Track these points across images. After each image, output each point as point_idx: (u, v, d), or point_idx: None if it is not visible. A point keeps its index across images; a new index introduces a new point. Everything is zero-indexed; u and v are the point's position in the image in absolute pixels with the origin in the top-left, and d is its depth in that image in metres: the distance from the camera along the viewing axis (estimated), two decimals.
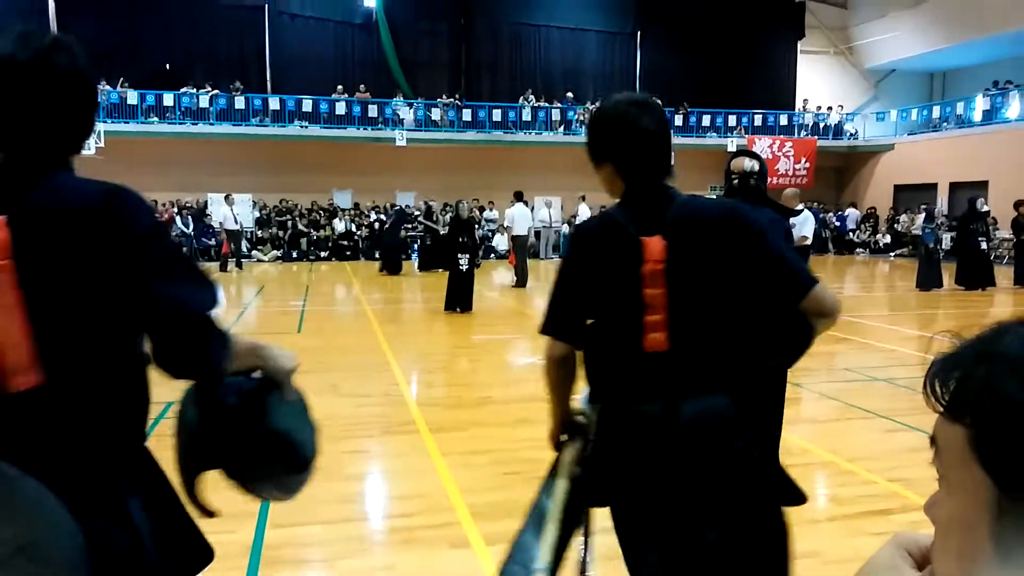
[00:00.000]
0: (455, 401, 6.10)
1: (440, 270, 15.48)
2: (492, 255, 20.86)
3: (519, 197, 14.99)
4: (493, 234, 21.83)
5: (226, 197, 18.38)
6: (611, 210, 1.90)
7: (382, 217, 21.08)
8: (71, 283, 1.27)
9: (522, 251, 14.48)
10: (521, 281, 14.13)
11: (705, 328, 1.82)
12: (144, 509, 1.34)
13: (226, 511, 1.56)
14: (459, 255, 10.77)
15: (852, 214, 25.14)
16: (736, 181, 3.40)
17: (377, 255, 19.43)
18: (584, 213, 21.87)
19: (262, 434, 1.46)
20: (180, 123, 21.72)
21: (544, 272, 17.13)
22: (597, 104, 2.05)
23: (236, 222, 18.18)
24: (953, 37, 23.83)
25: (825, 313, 1.83)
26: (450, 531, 3.54)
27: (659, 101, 1.98)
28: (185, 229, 20.60)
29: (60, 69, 1.32)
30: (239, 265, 18.07)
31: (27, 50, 1.30)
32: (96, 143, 19.69)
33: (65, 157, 1.37)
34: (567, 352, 1.91)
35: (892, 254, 22.75)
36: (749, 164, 3.39)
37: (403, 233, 19.74)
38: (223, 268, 17.69)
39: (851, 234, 24.68)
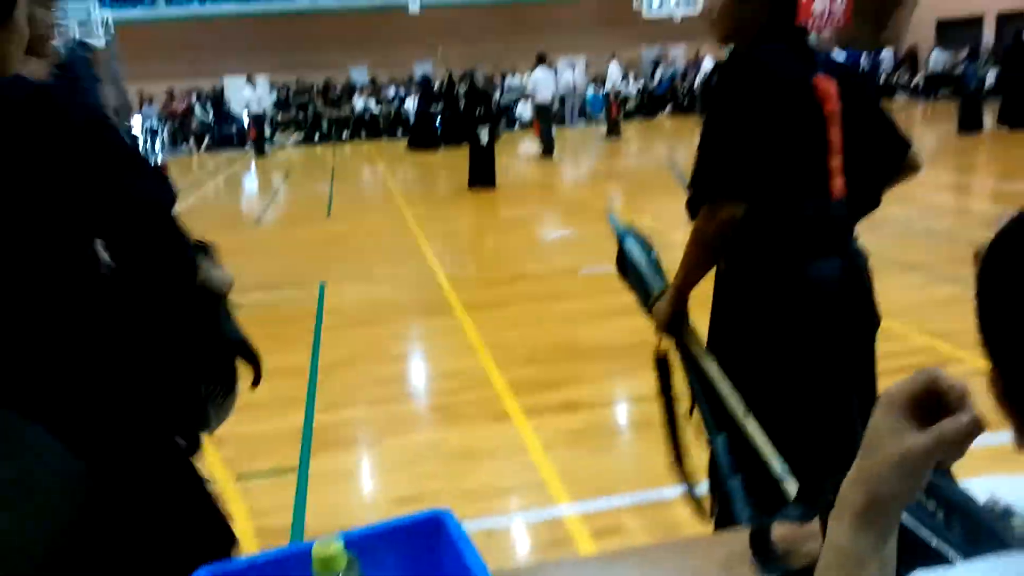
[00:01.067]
0: (487, 280, 6.17)
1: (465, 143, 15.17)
2: (517, 125, 20.41)
3: (541, 60, 14.41)
4: (516, 102, 21.26)
5: (247, 78, 18.02)
6: (763, 50, 1.74)
7: (401, 94, 20.61)
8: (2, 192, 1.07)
9: (546, 119, 14.10)
10: (547, 150, 13.86)
11: (863, 172, 1.84)
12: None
13: (276, 399, 1.60)
14: (478, 128, 10.45)
15: (887, 56, 23.91)
16: None
17: (399, 133, 19.10)
18: (615, 74, 21.08)
19: (227, 344, 1.35)
20: (187, 4, 21.07)
21: (571, 141, 16.79)
22: None
23: (260, 105, 17.95)
24: None
25: (918, 167, 1.94)
26: (491, 406, 3.67)
27: None
28: (205, 119, 20.42)
29: None
30: (263, 151, 17.98)
31: None
32: (105, 34, 19.28)
33: None
34: (740, 213, 1.68)
35: (935, 94, 21.76)
36: None
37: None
38: (259, 152, 17.67)
39: (890, 77, 23.58)
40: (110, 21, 19.53)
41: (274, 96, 21.40)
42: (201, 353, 1.31)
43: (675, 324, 1.84)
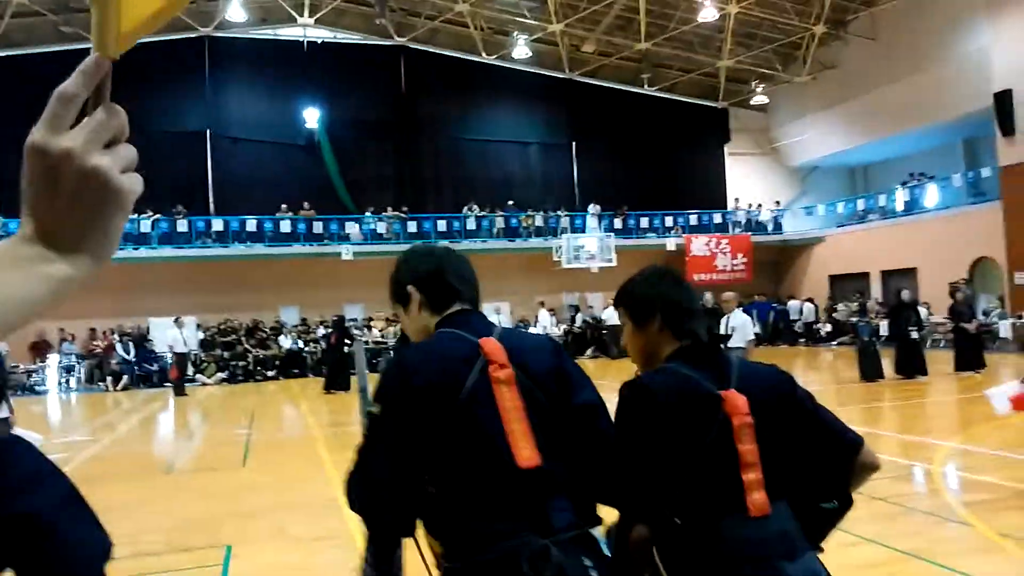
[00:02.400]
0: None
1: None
2: None
3: None
4: None
5: (175, 320, 18.20)
6: (658, 372, 1.83)
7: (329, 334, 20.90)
8: None
9: None
10: None
11: (787, 488, 1.78)
12: None
13: None
14: None
15: (795, 305, 25.88)
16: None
17: (323, 371, 19.14)
18: (545, 319, 22.11)
19: None
20: (121, 247, 21.44)
21: None
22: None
23: (185, 345, 18.00)
24: (866, 135, 25.47)
25: (875, 466, 1.89)
26: None
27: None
28: (126, 356, 20.09)
29: None
30: (183, 391, 17.57)
31: None
32: None
33: None
34: (646, 533, 1.73)
35: (834, 343, 23.34)
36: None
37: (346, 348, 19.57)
38: (179, 392, 17.28)
39: (794, 325, 25.34)
40: None
41: (199, 335, 21.39)
42: None
43: None
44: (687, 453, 1.73)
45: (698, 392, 1.76)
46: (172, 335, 17.84)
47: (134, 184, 0.67)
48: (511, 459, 1.62)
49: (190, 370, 19.97)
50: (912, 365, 14.06)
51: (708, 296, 13.62)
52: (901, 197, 24.93)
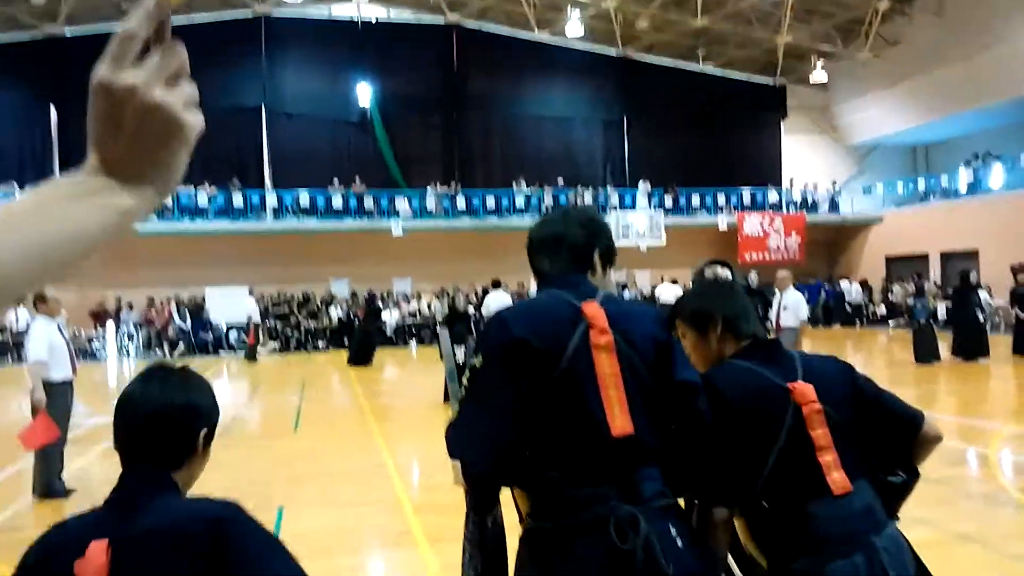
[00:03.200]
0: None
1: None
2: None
3: (496, 284, 15.09)
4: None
5: (250, 291, 19.62)
6: (739, 363, 1.95)
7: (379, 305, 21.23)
8: None
9: None
10: None
11: (865, 466, 1.89)
12: None
13: None
14: (454, 347, 10.65)
15: (853, 287, 25.27)
16: None
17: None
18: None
19: None
20: (179, 220, 22.07)
21: None
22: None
23: (257, 315, 19.27)
24: (930, 114, 24.58)
25: (938, 437, 2.00)
26: None
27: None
28: (182, 325, 20.69)
29: (183, 404, 1.44)
30: (254, 357, 18.63)
31: (171, 392, 1.44)
32: None
33: (171, 478, 1.40)
34: (726, 515, 1.85)
35: (889, 325, 22.79)
36: (723, 272, 3.69)
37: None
38: (251, 358, 18.52)
39: (848, 306, 24.78)
40: None
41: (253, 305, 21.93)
42: None
43: None
44: (764, 442, 1.84)
45: (767, 385, 1.88)
46: (249, 304, 19.18)
47: (196, 119, 0.69)
48: (605, 427, 1.65)
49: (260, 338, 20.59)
50: (975, 347, 13.66)
51: (753, 275, 13.35)
52: (964, 177, 24.09)
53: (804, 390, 1.85)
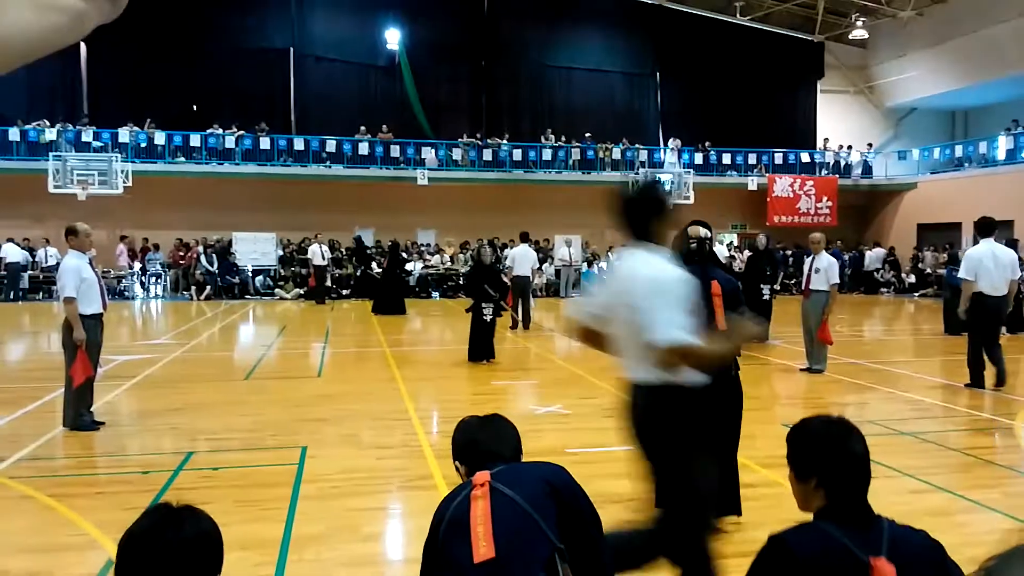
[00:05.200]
0: None
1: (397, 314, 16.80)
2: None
3: (524, 238, 15.00)
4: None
5: (315, 236, 20.24)
6: (822, 527, 1.82)
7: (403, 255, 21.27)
8: None
9: (522, 292, 14.24)
10: (523, 323, 13.96)
11: None
12: None
13: (242, 574, 1.56)
14: (483, 304, 10.43)
15: (874, 254, 24.92)
16: (694, 245, 4.12)
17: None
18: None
19: None
20: (206, 163, 22.14)
21: (561, 311, 17.10)
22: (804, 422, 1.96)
23: (323, 258, 19.68)
24: (973, 76, 23.83)
25: None
26: None
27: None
28: (209, 267, 20.90)
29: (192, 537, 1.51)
30: (324, 301, 19.42)
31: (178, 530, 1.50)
32: (124, 182, 20.12)
33: None
34: None
35: (916, 294, 22.49)
36: (704, 231, 4.06)
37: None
38: (319, 301, 19.25)
39: (876, 273, 24.45)
40: (129, 172, 20.44)
41: (279, 252, 22.07)
42: None
43: None
44: None
45: (846, 559, 1.73)
46: (312, 248, 19.76)
47: None
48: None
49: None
50: (1011, 320, 13.41)
51: (762, 238, 13.13)
52: (1004, 144, 23.44)
53: (885, 569, 1.69)
